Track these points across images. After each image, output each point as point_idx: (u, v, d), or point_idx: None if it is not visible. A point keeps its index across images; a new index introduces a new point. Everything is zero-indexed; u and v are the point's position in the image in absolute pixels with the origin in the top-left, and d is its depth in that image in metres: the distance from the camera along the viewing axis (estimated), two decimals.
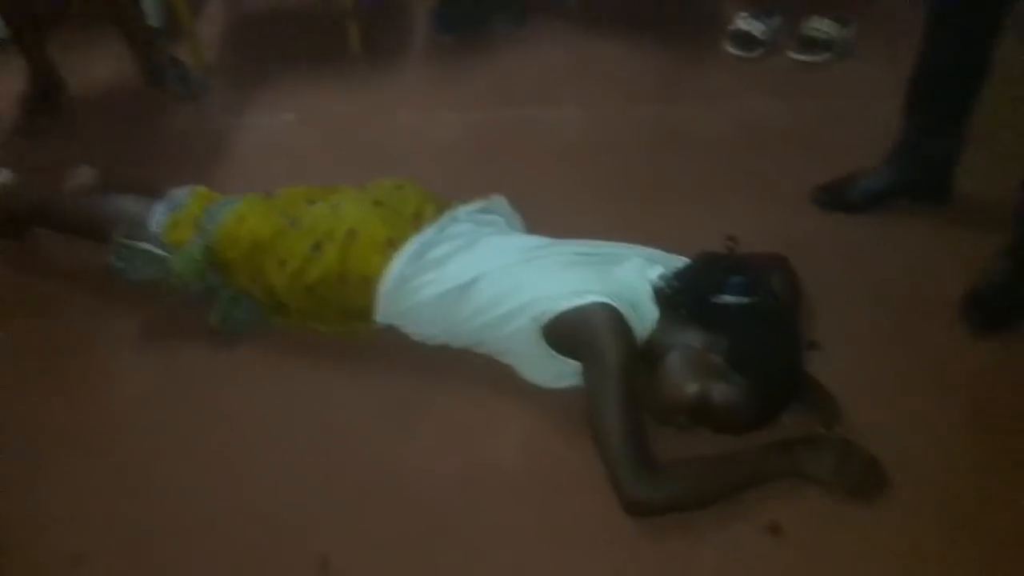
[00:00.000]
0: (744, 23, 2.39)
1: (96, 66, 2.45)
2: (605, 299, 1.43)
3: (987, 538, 1.32)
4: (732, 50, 2.40)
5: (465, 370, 1.59)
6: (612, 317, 1.42)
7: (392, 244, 1.58)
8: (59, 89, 2.30)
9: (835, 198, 1.90)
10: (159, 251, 1.64)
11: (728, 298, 1.44)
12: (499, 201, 1.75)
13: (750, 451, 1.40)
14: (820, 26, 2.37)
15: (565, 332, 1.45)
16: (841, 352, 1.58)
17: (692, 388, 1.38)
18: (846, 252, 1.81)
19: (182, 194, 1.71)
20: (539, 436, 1.49)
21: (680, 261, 1.57)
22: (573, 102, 2.27)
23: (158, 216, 1.68)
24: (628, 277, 1.52)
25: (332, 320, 1.65)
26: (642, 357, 1.46)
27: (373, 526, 1.37)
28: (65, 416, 1.56)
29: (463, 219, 1.66)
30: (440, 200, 1.70)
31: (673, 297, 1.48)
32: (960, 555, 1.31)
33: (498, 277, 1.52)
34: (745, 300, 1.44)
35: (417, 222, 1.63)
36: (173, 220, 1.67)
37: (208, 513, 1.39)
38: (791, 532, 1.34)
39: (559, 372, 1.51)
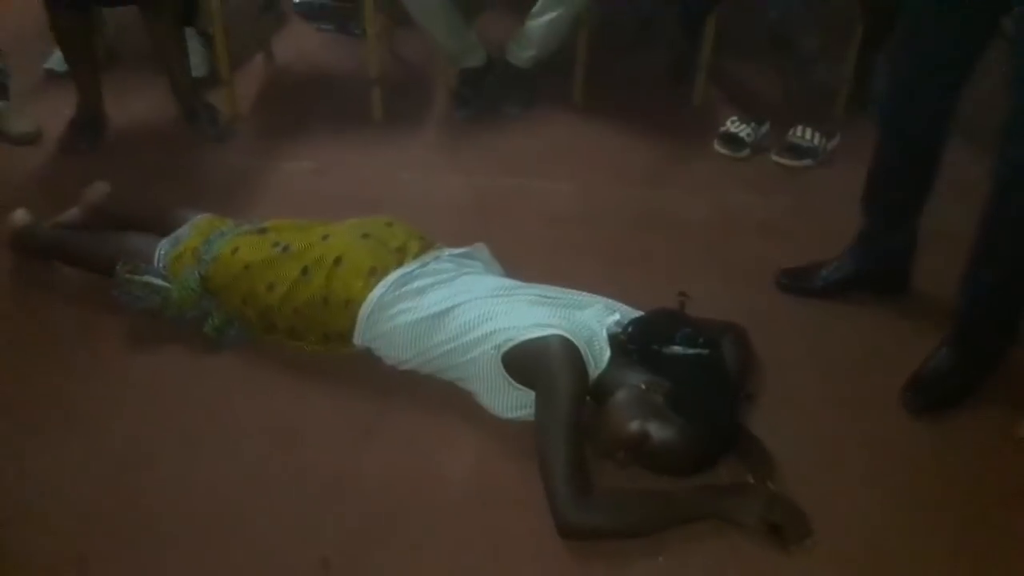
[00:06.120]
0: (733, 126, 2.59)
1: (140, 105, 2.69)
2: (564, 333, 1.55)
3: None
4: (720, 149, 2.59)
5: (427, 392, 1.70)
6: (568, 350, 1.53)
7: (375, 273, 1.72)
8: (103, 121, 2.54)
9: (797, 283, 2.03)
10: (159, 282, 1.81)
11: (675, 347, 1.57)
12: (481, 249, 1.90)
13: (681, 491, 1.49)
14: (805, 135, 2.56)
15: (523, 360, 1.56)
16: (786, 418, 1.68)
17: (633, 425, 1.48)
18: (802, 330, 1.93)
19: (184, 228, 1.89)
20: (487, 459, 1.59)
21: (638, 313, 1.70)
22: (566, 178, 2.45)
23: (162, 250, 1.85)
24: (587, 320, 1.64)
25: (315, 341, 1.78)
26: (591, 394, 1.57)
27: (321, 528, 1.46)
28: (64, 397, 1.70)
29: (445, 259, 1.81)
30: (425, 239, 1.86)
31: (626, 341, 1.60)
32: None
33: (469, 308, 1.65)
34: (690, 350, 1.56)
35: (401, 255, 1.77)
36: (175, 253, 1.83)
37: (198, 518, 1.47)
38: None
39: (515, 401, 1.62)
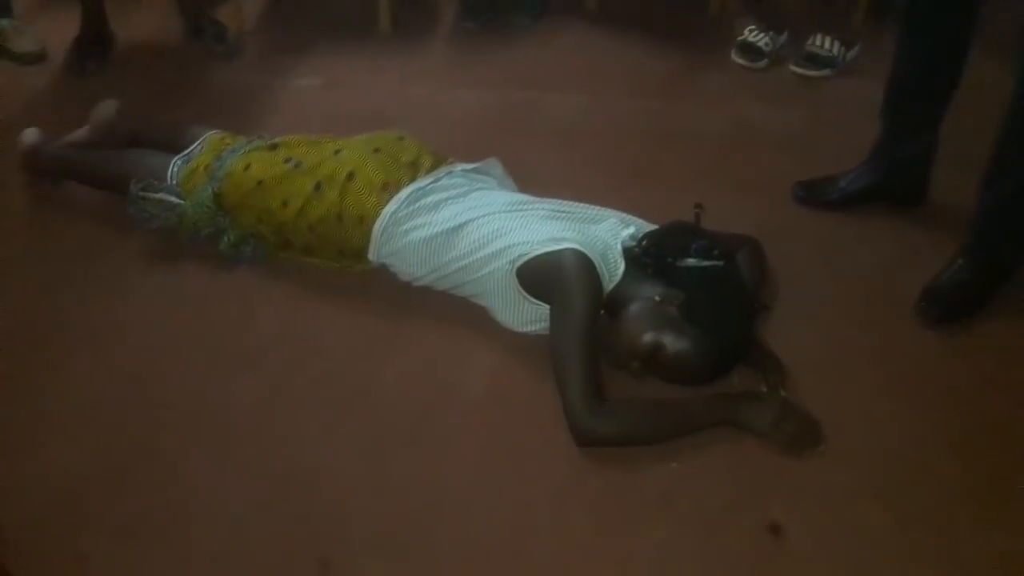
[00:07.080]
0: (751, 35, 2.52)
1: (145, 23, 2.65)
2: (577, 247, 1.55)
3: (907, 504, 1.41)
4: (737, 59, 2.53)
5: (442, 308, 1.71)
6: (582, 263, 1.53)
7: (387, 188, 1.71)
8: (108, 39, 2.50)
9: (814, 195, 2.00)
10: (173, 199, 1.80)
11: (690, 259, 1.56)
12: (493, 163, 1.88)
13: (694, 399, 1.51)
14: (824, 44, 2.49)
15: (537, 274, 1.57)
16: (800, 328, 1.69)
17: (648, 336, 1.49)
18: (818, 243, 1.91)
19: (196, 145, 1.87)
20: (503, 371, 1.61)
21: (653, 227, 1.69)
22: (579, 91, 2.41)
23: (175, 167, 1.84)
24: (601, 233, 1.63)
25: (330, 258, 1.78)
26: (606, 307, 1.58)
27: (342, 439, 1.49)
28: (80, 316, 1.72)
29: (458, 174, 1.79)
30: (437, 154, 1.84)
31: (640, 254, 1.60)
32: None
33: (483, 223, 1.65)
34: (704, 262, 1.56)
35: (413, 170, 1.76)
36: (188, 170, 1.83)
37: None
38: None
39: (529, 315, 1.62)
